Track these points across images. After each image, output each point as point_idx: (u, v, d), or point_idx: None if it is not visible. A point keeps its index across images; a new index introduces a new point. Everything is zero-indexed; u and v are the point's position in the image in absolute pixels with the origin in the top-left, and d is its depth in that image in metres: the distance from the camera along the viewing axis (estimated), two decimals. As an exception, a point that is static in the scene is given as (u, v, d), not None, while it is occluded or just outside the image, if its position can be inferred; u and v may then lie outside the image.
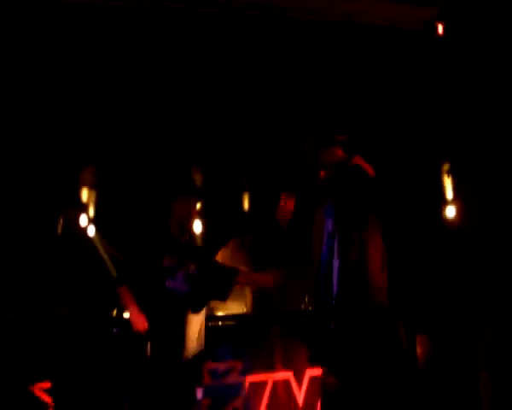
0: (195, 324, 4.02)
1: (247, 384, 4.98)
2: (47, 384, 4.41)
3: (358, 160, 3.26)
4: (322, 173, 3.38)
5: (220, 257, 6.05)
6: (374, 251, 3.07)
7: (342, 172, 3.20)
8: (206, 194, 6.86)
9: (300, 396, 5.11)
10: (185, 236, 4.12)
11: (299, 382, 5.12)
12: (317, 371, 4.85)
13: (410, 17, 5.61)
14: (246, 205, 7.06)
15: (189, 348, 3.97)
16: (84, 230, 6.49)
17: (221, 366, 4.88)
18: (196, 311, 4.02)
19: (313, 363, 4.83)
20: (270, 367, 5.09)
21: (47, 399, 4.40)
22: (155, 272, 3.97)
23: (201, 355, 4.05)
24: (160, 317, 3.91)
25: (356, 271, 3.06)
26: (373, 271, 3.08)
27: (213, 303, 5.64)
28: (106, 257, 6.38)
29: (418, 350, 5.57)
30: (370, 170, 3.24)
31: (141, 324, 3.84)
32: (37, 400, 4.38)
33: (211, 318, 5.31)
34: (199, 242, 6.71)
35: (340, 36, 5.74)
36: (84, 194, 6.58)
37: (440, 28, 5.56)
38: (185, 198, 4.07)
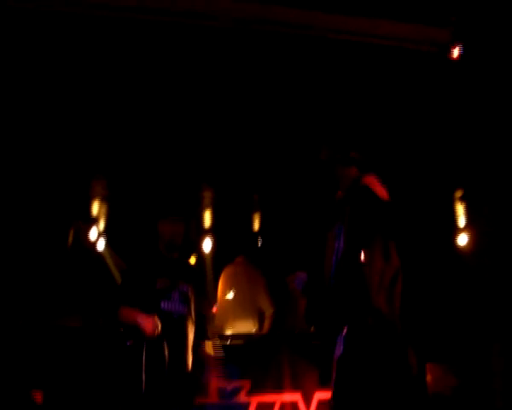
0: (192, 336, 4.01)
1: (254, 404, 4.92)
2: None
3: (369, 179, 3.21)
4: (339, 193, 3.34)
5: (226, 274, 5.99)
6: (373, 273, 3.02)
7: (353, 193, 3.16)
8: (216, 211, 6.90)
9: (309, 419, 5.04)
10: (175, 254, 4.06)
11: (308, 404, 5.05)
12: (326, 394, 4.78)
13: (424, 38, 5.59)
14: (256, 223, 7.02)
15: (189, 360, 3.96)
16: (94, 243, 6.47)
17: (229, 385, 4.81)
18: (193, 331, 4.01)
19: (323, 385, 4.77)
20: (278, 388, 5.02)
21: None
22: (149, 294, 3.93)
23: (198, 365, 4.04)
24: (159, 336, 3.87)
25: (355, 289, 3.01)
26: (371, 290, 3.02)
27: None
28: (115, 270, 6.35)
29: (428, 378, 5.49)
30: (382, 191, 3.19)
31: (153, 326, 3.79)
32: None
33: (219, 336, 5.27)
34: (208, 260, 6.67)
35: (354, 55, 5.74)
36: (95, 207, 6.56)
37: (456, 51, 5.54)
38: (170, 220, 4.02)
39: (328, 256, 3.23)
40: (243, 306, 5.76)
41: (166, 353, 3.83)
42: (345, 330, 3.03)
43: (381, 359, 3.04)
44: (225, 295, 5.78)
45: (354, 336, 3.03)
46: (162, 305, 3.92)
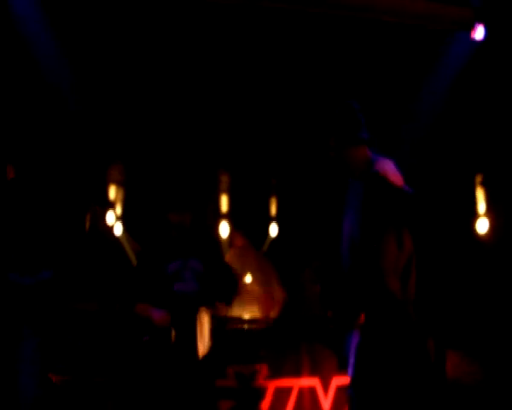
0: (207, 320, 4.00)
1: (272, 389, 4.91)
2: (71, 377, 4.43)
3: (383, 164, 3.15)
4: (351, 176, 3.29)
5: (232, 257, 5.95)
6: (386, 259, 2.99)
7: (365, 179, 3.11)
8: (233, 196, 6.88)
9: (327, 404, 5.01)
10: (186, 233, 4.08)
11: (326, 389, 5.03)
12: (344, 380, 4.76)
13: (443, 17, 5.46)
14: (273, 208, 7.00)
15: (203, 344, 3.95)
16: (111, 227, 6.48)
17: (246, 370, 4.81)
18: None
19: (342, 369, 4.74)
20: (296, 373, 5.01)
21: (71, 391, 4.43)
22: (162, 279, 3.96)
23: (216, 351, 4.04)
24: (172, 319, 3.89)
25: (369, 276, 2.99)
26: (385, 276, 3.00)
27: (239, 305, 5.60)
28: (132, 254, 6.37)
29: (448, 365, 5.45)
30: (396, 176, 3.12)
31: (163, 319, 3.84)
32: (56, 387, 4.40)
33: (236, 321, 5.26)
34: (225, 245, 6.65)
35: (370, 34, 5.64)
36: (112, 192, 6.57)
37: (479, 31, 5.41)
38: (177, 211, 4.08)
39: (344, 239, 3.20)
40: (254, 290, 5.73)
41: (173, 336, 3.88)
42: (361, 317, 3.01)
43: (399, 345, 3.01)
44: None
45: (370, 322, 3.01)
46: (176, 287, 3.95)
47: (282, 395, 4.94)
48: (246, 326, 5.22)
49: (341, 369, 4.94)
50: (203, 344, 3.98)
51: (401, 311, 3.01)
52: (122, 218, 6.61)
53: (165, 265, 3.99)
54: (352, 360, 3.05)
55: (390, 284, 2.99)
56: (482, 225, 6.43)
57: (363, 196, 3.05)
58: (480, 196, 6.50)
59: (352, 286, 3.03)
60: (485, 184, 6.42)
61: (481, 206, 6.49)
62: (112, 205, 6.57)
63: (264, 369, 4.87)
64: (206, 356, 3.98)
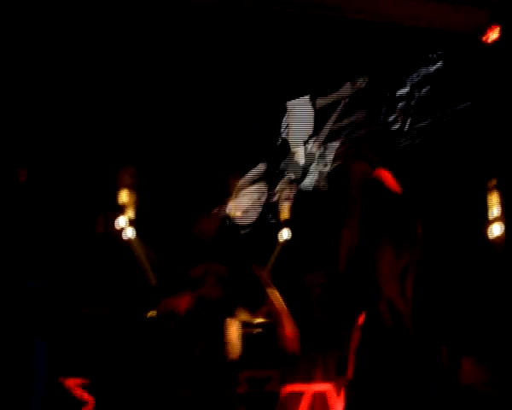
0: (237, 326, 3.95)
1: (284, 394, 4.87)
2: (83, 380, 4.42)
3: (380, 173, 3.20)
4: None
5: None
6: (383, 264, 3.04)
7: (364, 187, 3.18)
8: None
9: (340, 409, 4.97)
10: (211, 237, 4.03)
11: (339, 395, 4.98)
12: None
13: (457, 20, 5.44)
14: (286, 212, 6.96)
15: (232, 350, 3.91)
16: (123, 231, 6.49)
17: (258, 375, 4.79)
18: (230, 314, 3.96)
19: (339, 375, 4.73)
20: (309, 378, 4.96)
21: (83, 394, 4.41)
22: (184, 286, 3.93)
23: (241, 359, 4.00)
24: (197, 324, 3.86)
25: (366, 280, 3.04)
26: (381, 280, 3.05)
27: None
28: (144, 259, 6.37)
29: (464, 373, 5.39)
30: (394, 184, 3.17)
31: (187, 302, 3.81)
32: (72, 394, 4.39)
33: (248, 324, 5.24)
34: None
35: (380, 38, 5.64)
36: (123, 195, 6.58)
37: (493, 34, 5.38)
38: (203, 222, 4.01)
39: (341, 249, 3.23)
40: None
41: (199, 338, 3.84)
42: (360, 320, 3.05)
43: (397, 348, 3.03)
44: None
45: (369, 325, 3.05)
46: (199, 292, 3.92)
47: (294, 399, 4.91)
48: (256, 331, 5.21)
49: (341, 370, 4.90)
50: (232, 351, 3.93)
51: (397, 314, 3.04)
52: (134, 222, 6.62)
53: (186, 270, 3.95)
54: (352, 361, 3.07)
55: (385, 290, 3.03)
56: (496, 230, 6.40)
57: (363, 203, 3.13)
58: (494, 200, 6.47)
59: (350, 291, 3.06)
60: (498, 188, 6.40)
61: (495, 210, 6.45)
62: (123, 209, 6.58)
63: (276, 374, 4.85)
64: (233, 363, 3.93)
